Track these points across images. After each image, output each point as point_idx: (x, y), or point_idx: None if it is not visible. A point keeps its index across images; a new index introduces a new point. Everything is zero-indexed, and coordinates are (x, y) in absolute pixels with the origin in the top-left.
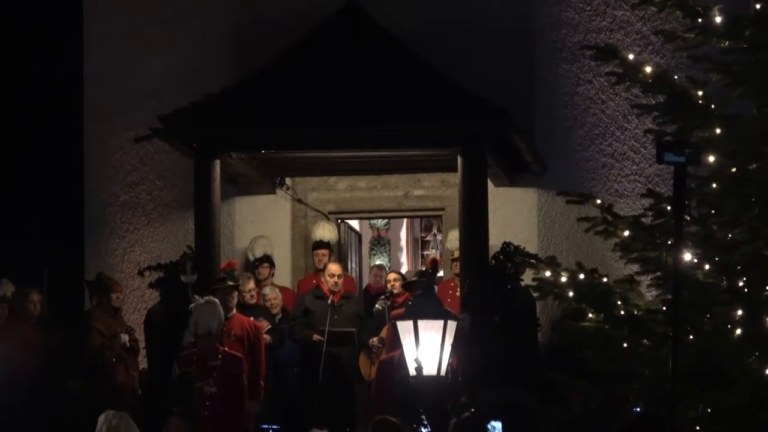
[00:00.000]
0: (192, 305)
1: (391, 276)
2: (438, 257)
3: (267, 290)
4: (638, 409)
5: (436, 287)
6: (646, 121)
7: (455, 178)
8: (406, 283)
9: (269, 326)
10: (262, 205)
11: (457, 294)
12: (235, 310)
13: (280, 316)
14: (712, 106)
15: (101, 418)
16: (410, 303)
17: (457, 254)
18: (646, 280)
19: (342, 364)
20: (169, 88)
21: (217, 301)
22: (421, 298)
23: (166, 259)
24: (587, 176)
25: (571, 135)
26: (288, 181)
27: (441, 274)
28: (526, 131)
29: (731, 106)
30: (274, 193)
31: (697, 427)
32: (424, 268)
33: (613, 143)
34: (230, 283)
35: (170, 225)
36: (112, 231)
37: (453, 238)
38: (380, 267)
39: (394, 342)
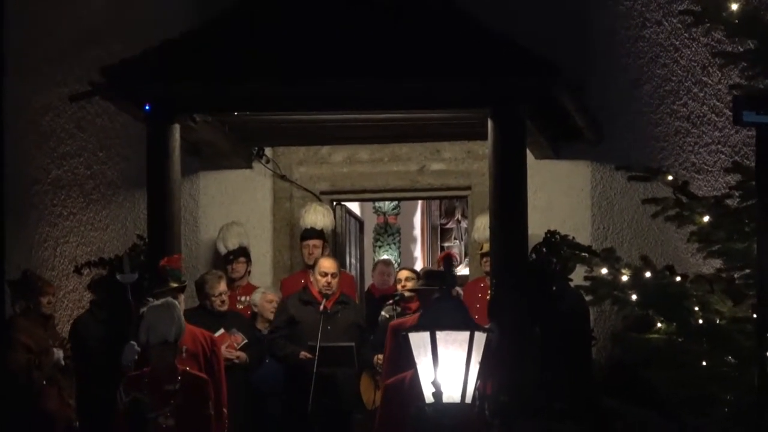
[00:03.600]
0: (144, 308)
1: (402, 274)
2: (454, 251)
3: (257, 296)
4: None
5: (459, 289)
6: (732, 74)
7: (484, 148)
8: (413, 288)
9: (244, 341)
10: (235, 182)
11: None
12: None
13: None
14: None
15: None
16: (426, 309)
17: (487, 247)
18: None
19: (337, 389)
20: (114, 33)
21: (177, 303)
22: (440, 303)
23: (111, 252)
24: (655, 146)
25: (635, 92)
26: (268, 152)
27: (466, 272)
28: (576, 88)
29: None
30: (250, 167)
31: None
32: (437, 267)
33: (689, 103)
34: (173, 285)
35: (116, 208)
36: (41, 216)
37: (482, 226)
38: (387, 263)
39: (403, 359)
